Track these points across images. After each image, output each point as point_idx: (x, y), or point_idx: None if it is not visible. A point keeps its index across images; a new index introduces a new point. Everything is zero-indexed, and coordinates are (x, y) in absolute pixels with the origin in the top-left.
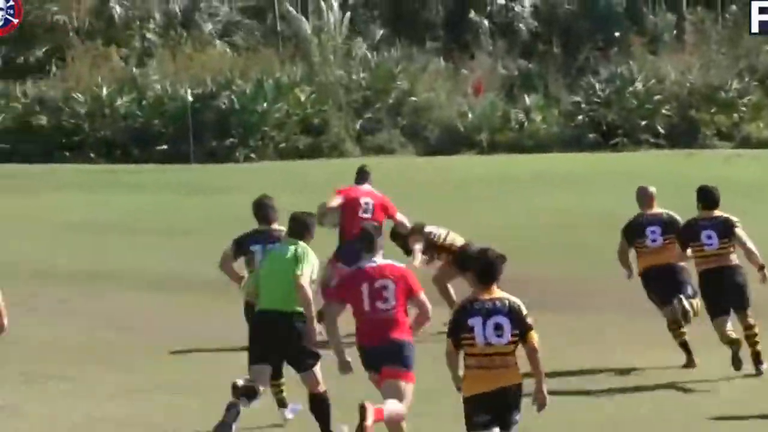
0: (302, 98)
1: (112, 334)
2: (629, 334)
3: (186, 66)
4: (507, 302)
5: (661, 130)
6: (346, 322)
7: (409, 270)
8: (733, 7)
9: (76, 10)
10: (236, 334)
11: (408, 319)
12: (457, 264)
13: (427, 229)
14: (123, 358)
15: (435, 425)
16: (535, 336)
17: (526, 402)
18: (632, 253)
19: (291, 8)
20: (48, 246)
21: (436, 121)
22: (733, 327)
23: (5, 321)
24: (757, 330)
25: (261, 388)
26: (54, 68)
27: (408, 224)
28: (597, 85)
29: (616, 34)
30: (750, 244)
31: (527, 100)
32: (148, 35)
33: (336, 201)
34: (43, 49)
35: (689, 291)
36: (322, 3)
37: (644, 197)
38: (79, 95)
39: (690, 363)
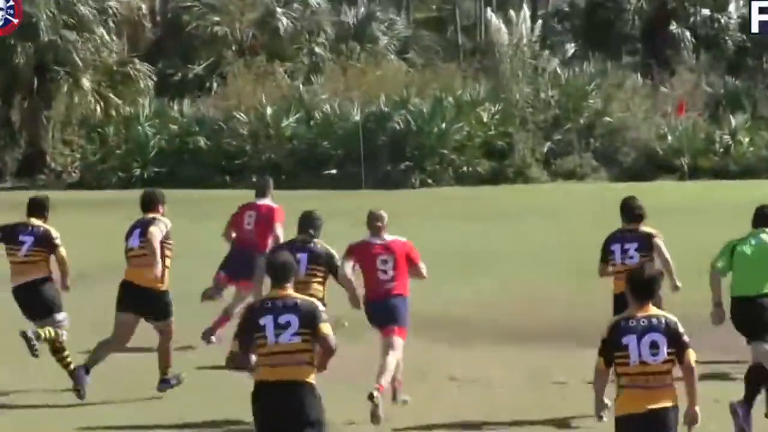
0: (485, 118)
1: None
2: None
3: (358, 83)
4: (663, 320)
5: None
6: None
7: None
8: None
9: (239, 22)
10: None
11: None
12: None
13: None
14: None
15: None
16: (692, 354)
17: None
18: None
19: (492, 13)
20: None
21: (631, 144)
22: None
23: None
24: None
25: None
26: (214, 85)
27: None
28: None
29: None
30: None
31: (733, 120)
32: (317, 49)
33: None
34: (203, 65)
35: None
36: (512, 12)
37: None
38: (242, 114)
39: None
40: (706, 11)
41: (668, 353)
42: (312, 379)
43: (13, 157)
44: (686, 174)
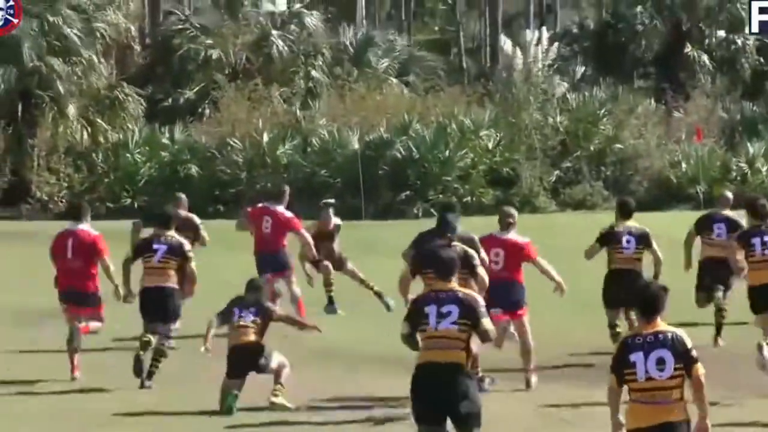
0: (490, 145)
1: None
2: None
3: (357, 108)
4: (670, 335)
5: None
6: None
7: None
8: None
9: (232, 45)
10: None
11: None
12: None
13: None
14: None
15: None
16: (700, 369)
17: None
18: None
19: (505, 38)
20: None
21: (644, 172)
22: None
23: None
24: None
25: None
26: (206, 110)
27: None
28: None
29: None
30: None
31: (750, 148)
32: (314, 73)
33: None
34: (195, 89)
35: None
36: (528, 34)
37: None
38: (236, 141)
39: None
40: (721, 32)
41: (675, 368)
42: (465, 361)
43: None
44: (702, 203)
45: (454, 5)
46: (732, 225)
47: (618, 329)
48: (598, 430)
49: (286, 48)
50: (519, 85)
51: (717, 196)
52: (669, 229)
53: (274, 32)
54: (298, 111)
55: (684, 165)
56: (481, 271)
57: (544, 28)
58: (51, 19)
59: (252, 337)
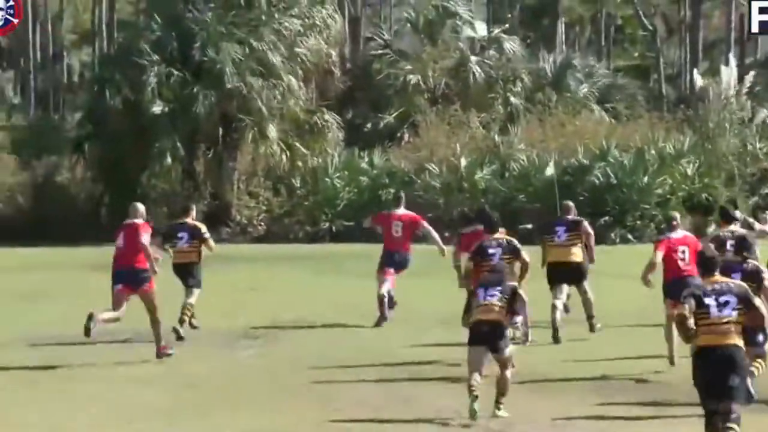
0: (689, 171)
1: None
2: None
3: (556, 134)
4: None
5: None
6: None
7: None
8: None
9: (431, 70)
10: None
11: None
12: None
13: None
14: None
15: None
16: (757, 302)
17: None
18: None
19: (697, 74)
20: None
21: None
22: None
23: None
24: None
25: None
26: (405, 135)
27: None
28: None
29: None
30: None
31: None
32: (513, 99)
33: None
34: (394, 114)
35: None
36: (722, 67)
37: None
38: (434, 166)
39: None
40: None
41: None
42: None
43: (198, 209)
44: None
45: (654, 32)
46: None
47: None
48: None
49: (483, 73)
50: (714, 112)
51: None
52: None
53: (473, 58)
54: (496, 136)
55: None
56: None
57: (731, 55)
58: (254, 43)
59: (494, 316)
